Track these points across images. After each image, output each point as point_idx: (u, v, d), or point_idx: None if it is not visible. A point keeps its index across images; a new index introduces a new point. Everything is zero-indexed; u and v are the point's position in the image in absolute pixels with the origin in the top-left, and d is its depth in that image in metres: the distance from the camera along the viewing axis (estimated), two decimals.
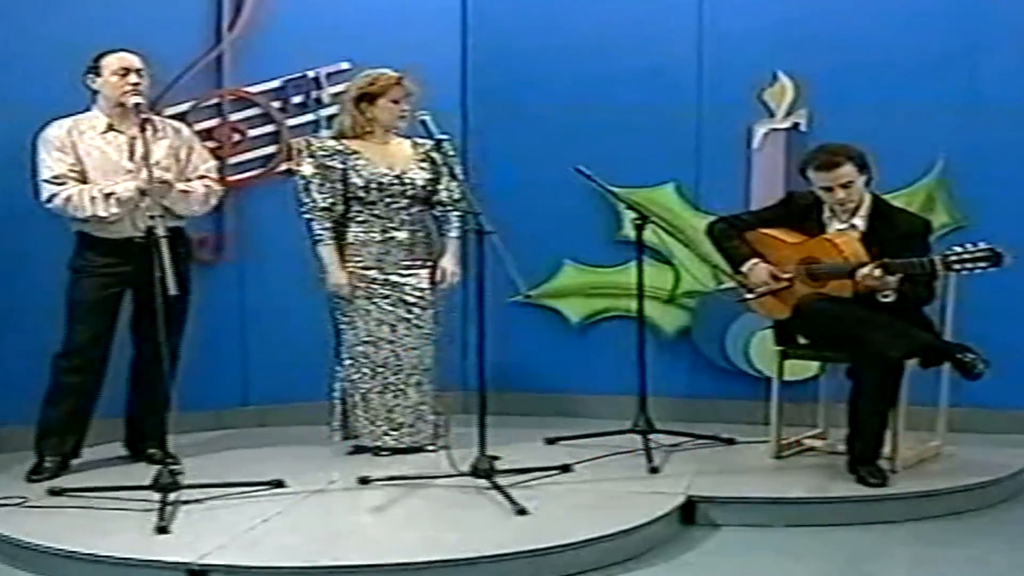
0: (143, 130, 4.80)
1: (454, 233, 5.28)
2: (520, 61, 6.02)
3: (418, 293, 5.23)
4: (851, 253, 4.87)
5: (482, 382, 4.71)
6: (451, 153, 4.96)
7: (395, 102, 5.17)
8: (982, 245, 4.58)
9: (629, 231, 5.55)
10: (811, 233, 5.02)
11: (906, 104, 5.70)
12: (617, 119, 5.92)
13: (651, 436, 5.23)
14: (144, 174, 4.70)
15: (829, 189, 4.90)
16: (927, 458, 5.16)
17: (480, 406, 4.71)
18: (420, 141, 5.20)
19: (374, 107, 5.18)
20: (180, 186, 4.96)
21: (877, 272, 4.72)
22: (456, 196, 5.20)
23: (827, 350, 5.04)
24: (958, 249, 4.62)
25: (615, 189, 5.51)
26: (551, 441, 5.46)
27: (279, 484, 4.72)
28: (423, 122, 4.86)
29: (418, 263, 5.25)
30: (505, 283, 4.73)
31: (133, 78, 4.88)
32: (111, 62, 4.90)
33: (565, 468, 4.93)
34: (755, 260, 5.04)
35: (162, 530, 4.24)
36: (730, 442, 5.43)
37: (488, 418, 4.71)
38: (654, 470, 4.99)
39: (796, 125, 5.86)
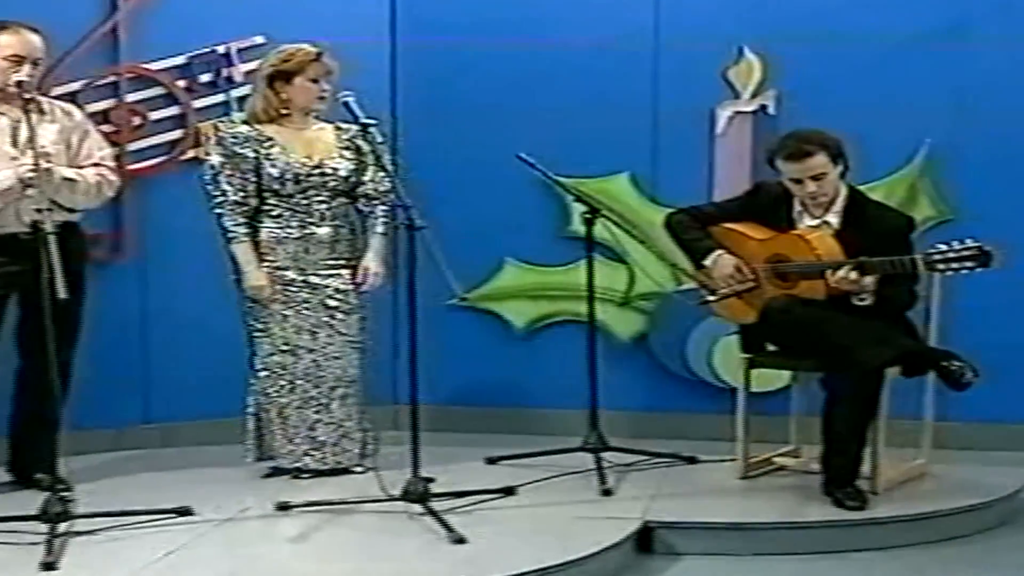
0: (28, 112, 4.73)
1: (380, 228, 5.27)
2: (456, 38, 6.03)
3: (341, 296, 5.22)
4: (824, 251, 4.88)
5: (414, 395, 4.70)
6: (379, 140, 4.93)
7: (313, 81, 5.15)
8: (969, 243, 4.59)
9: (578, 226, 5.54)
10: (780, 228, 5.03)
11: (886, 85, 5.76)
12: (564, 101, 5.96)
13: (604, 454, 5.25)
14: (28, 161, 4.62)
15: (799, 181, 4.91)
16: (911, 478, 5.18)
17: (412, 422, 4.71)
18: (344, 126, 5.20)
19: (290, 87, 5.15)
20: (64, 172, 4.85)
21: (853, 273, 4.74)
22: (383, 187, 5.20)
23: (799, 358, 5.06)
24: (942, 248, 4.64)
25: (562, 179, 5.52)
26: (492, 461, 5.48)
27: (186, 512, 4.68)
28: (347, 105, 4.82)
29: (341, 263, 5.23)
30: (440, 284, 4.73)
31: (27, 69, 4.81)
32: (4, 44, 4.80)
33: (508, 491, 4.94)
34: (719, 251, 5.05)
35: (49, 566, 4.16)
36: (692, 461, 5.45)
37: (422, 435, 4.71)
38: (607, 492, 5.00)
39: (764, 108, 5.89)
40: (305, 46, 5.15)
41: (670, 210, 5.33)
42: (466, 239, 5.62)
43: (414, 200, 4.68)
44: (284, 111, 5.18)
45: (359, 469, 5.29)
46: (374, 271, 5.24)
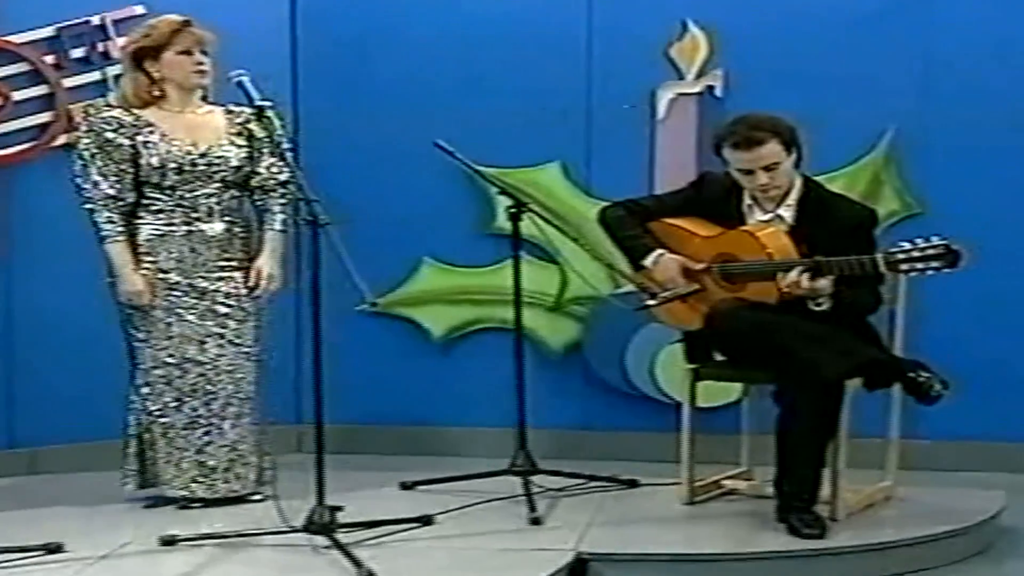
0: None
1: (277, 225, 5.25)
2: (365, 12, 6.08)
3: (233, 302, 5.18)
4: (777, 249, 4.89)
5: (319, 413, 4.67)
6: (276, 124, 4.89)
7: (185, 53, 5.12)
8: (935, 240, 4.61)
9: (503, 222, 5.57)
10: (728, 224, 5.04)
11: (847, 63, 5.80)
12: (488, 83, 5.98)
13: (533, 478, 5.27)
14: None
15: (749, 172, 4.92)
16: (875, 503, 5.21)
17: (317, 443, 4.67)
18: (235, 109, 5.19)
19: (159, 64, 5.13)
20: None
21: (808, 273, 4.75)
22: (281, 178, 5.17)
23: (749, 369, 5.08)
24: (906, 246, 4.65)
25: (485, 169, 5.54)
26: (407, 486, 5.49)
27: (56, 549, 4.62)
28: (240, 84, 4.79)
29: (233, 264, 5.20)
30: (348, 288, 4.63)
31: None
32: None
33: (425, 520, 4.93)
34: (661, 251, 5.07)
35: None
36: (632, 484, 5.47)
37: (328, 458, 4.68)
38: (536, 521, 5.00)
39: (710, 89, 5.92)
40: (169, 16, 5.12)
41: (605, 204, 5.34)
42: (377, 237, 5.68)
43: (317, 193, 4.64)
44: (159, 93, 5.14)
45: (256, 497, 5.26)
46: (268, 273, 5.22)
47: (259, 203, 5.25)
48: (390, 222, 5.98)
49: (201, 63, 5.12)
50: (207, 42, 5.13)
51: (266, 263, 5.21)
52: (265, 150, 5.16)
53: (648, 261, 5.09)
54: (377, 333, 6.13)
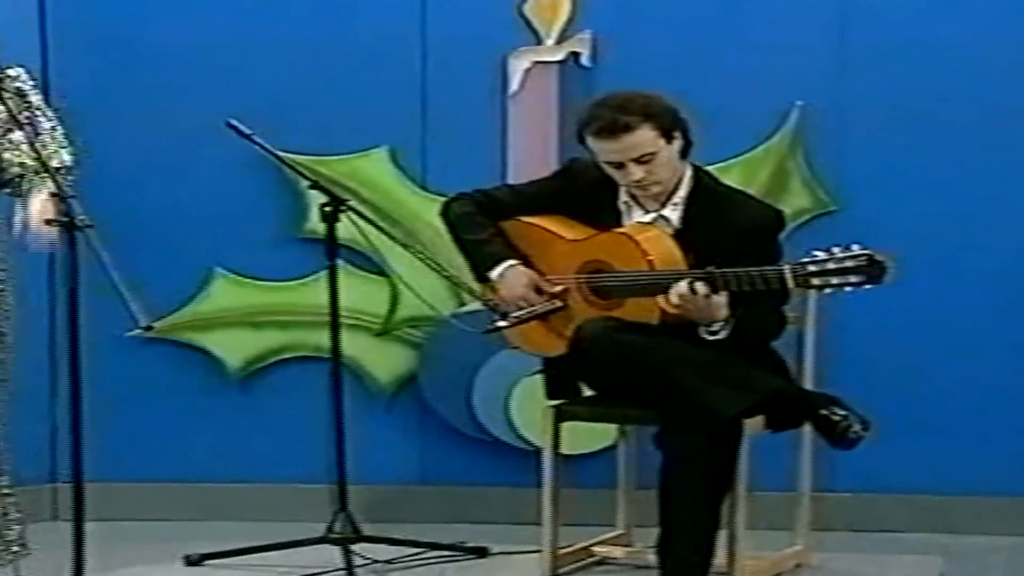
0: None
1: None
2: None
3: None
4: (660, 257, 4.91)
5: (78, 469, 4.56)
6: (26, 93, 4.85)
7: None
8: (855, 249, 4.63)
9: (317, 224, 5.54)
10: (601, 225, 5.07)
11: (744, 26, 5.85)
12: (296, 46, 5.98)
13: (356, 547, 5.29)
14: None
15: (621, 166, 4.94)
16: (784, 572, 5.27)
17: (76, 508, 4.55)
18: None
19: None
20: None
21: (699, 288, 4.74)
22: (27, 161, 4.96)
23: (625, 406, 5.09)
24: (820, 256, 4.66)
25: (293, 157, 5.58)
26: (194, 561, 5.46)
27: None
28: None
29: None
30: (117, 308, 4.58)
31: None
32: None
33: None
34: (512, 262, 5.08)
35: None
36: (481, 553, 5.53)
37: (91, 527, 4.55)
38: None
39: (575, 56, 5.93)
40: None
41: (450, 196, 5.38)
42: (154, 243, 5.75)
43: (76, 187, 4.61)
44: None
45: None
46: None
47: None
48: (170, 223, 5.96)
49: None
50: None
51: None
52: (5, 126, 5.00)
53: (494, 274, 5.10)
54: (155, 366, 6.10)
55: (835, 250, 4.65)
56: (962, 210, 5.81)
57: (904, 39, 5.81)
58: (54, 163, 4.94)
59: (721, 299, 4.78)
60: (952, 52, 5.77)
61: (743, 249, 4.84)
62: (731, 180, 5.35)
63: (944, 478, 5.84)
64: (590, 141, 4.96)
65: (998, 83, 5.76)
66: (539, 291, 5.08)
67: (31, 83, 4.91)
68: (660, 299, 4.82)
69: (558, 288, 5.06)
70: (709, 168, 5.18)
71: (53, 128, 4.96)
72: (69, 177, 4.84)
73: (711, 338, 4.83)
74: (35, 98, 4.92)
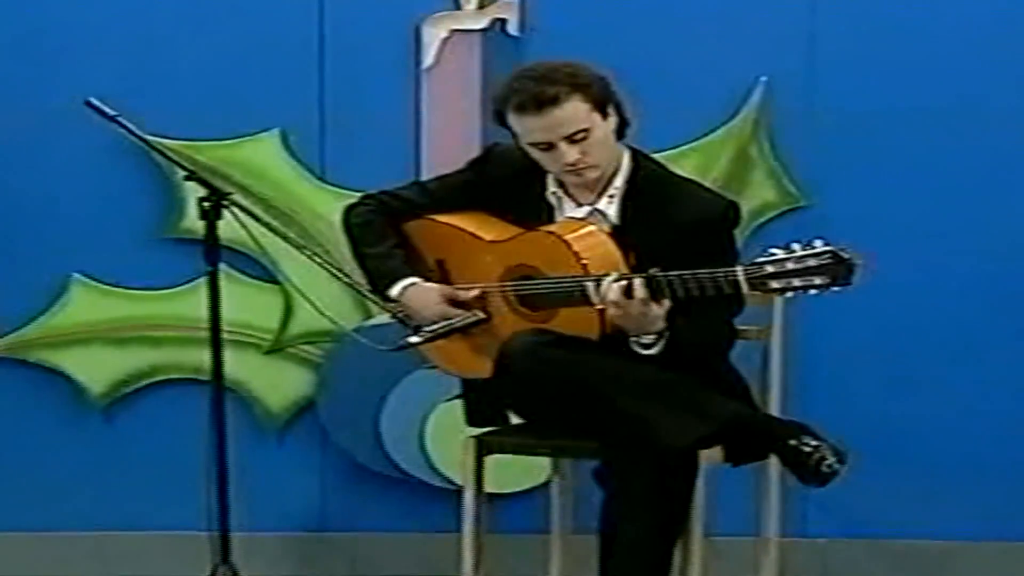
0: None
1: None
2: None
3: None
4: (595, 260, 4.65)
5: None
6: None
7: None
8: (818, 246, 4.37)
9: (194, 222, 5.23)
10: (527, 223, 4.83)
11: None
12: (169, 21, 5.83)
13: None
14: None
15: (549, 147, 4.66)
16: None
17: None
18: None
19: None
20: None
21: (637, 291, 4.47)
22: None
23: (559, 436, 4.85)
24: (778, 254, 4.39)
25: (166, 142, 5.47)
26: None
27: None
28: None
29: None
30: None
31: None
32: None
33: None
34: (411, 280, 4.89)
35: None
36: None
37: None
38: None
39: (501, 23, 5.83)
40: None
41: (350, 194, 5.28)
42: None
43: None
44: None
45: None
46: None
47: None
48: (20, 222, 5.82)
49: None
50: None
51: None
52: None
53: (394, 292, 4.86)
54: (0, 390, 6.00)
55: (795, 247, 4.37)
56: (948, 205, 5.75)
57: (887, 6, 5.76)
58: None
59: (657, 309, 4.51)
60: (937, 29, 5.71)
61: (691, 247, 4.58)
62: (686, 169, 5.15)
63: (930, 521, 5.81)
64: (512, 119, 4.69)
65: (985, 63, 5.69)
66: (456, 303, 4.80)
67: None
68: (595, 293, 4.54)
69: (474, 293, 4.79)
70: (657, 156, 4.90)
71: None
72: None
73: (643, 352, 4.59)
74: None
